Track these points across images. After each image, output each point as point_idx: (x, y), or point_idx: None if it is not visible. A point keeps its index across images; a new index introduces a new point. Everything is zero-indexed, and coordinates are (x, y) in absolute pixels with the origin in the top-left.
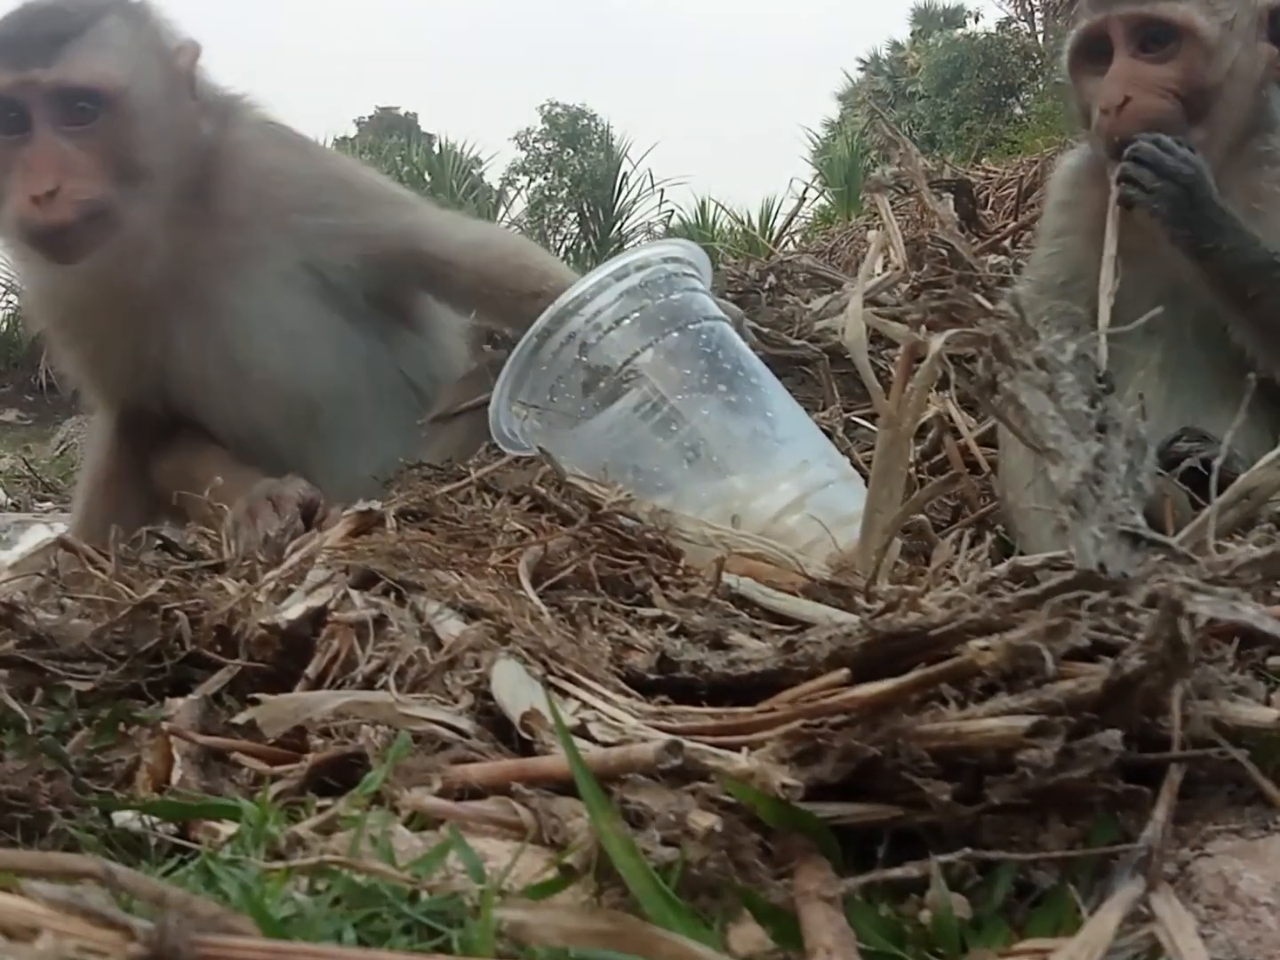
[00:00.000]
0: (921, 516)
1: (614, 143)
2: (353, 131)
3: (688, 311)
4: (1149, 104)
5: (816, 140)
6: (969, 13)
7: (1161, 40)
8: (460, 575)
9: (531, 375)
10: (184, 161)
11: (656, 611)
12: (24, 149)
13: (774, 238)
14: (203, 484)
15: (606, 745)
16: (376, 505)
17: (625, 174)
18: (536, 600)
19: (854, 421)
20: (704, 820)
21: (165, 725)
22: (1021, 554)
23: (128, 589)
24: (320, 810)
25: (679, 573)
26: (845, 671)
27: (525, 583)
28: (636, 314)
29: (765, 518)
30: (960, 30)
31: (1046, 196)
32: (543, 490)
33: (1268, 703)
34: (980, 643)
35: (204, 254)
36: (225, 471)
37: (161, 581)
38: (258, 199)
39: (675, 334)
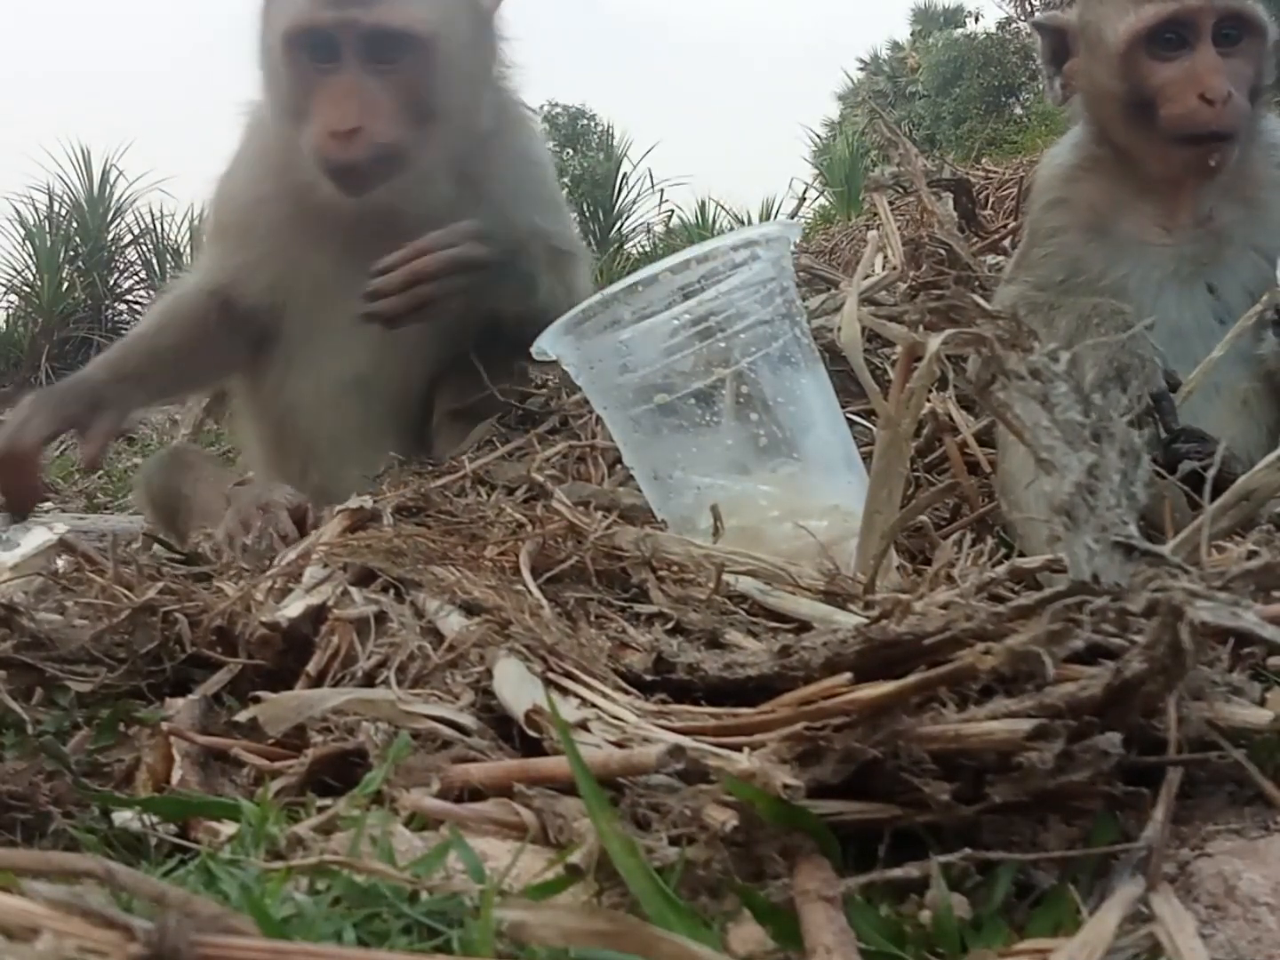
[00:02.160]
0: (922, 517)
1: (614, 143)
2: None
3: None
4: (1241, 102)
5: (816, 140)
6: (969, 13)
7: (1236, 36)
8: (457, 570)
9: (577, 338)
10: (474, 114)
11: (654, 608)
12: (329, 80)
13: None
14: (189, 499)
15: (608, 744)
16: (368, 502)
17: (625, 174)
18: (537, 594)
19: (849, 418)
20: (720, 815)
21: (165, 725)
22: (1021, 555)
23: (127, 591)
24: (320, 810)
25: (675, 568)
26: (848, 675)
27: (526, 575)
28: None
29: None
30: (960, 30)
31: (1034, 195)
32: (540, 479)
33: (1262, 703)
34: (981, 647)
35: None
36: (212, 483)
37: (160, 584)
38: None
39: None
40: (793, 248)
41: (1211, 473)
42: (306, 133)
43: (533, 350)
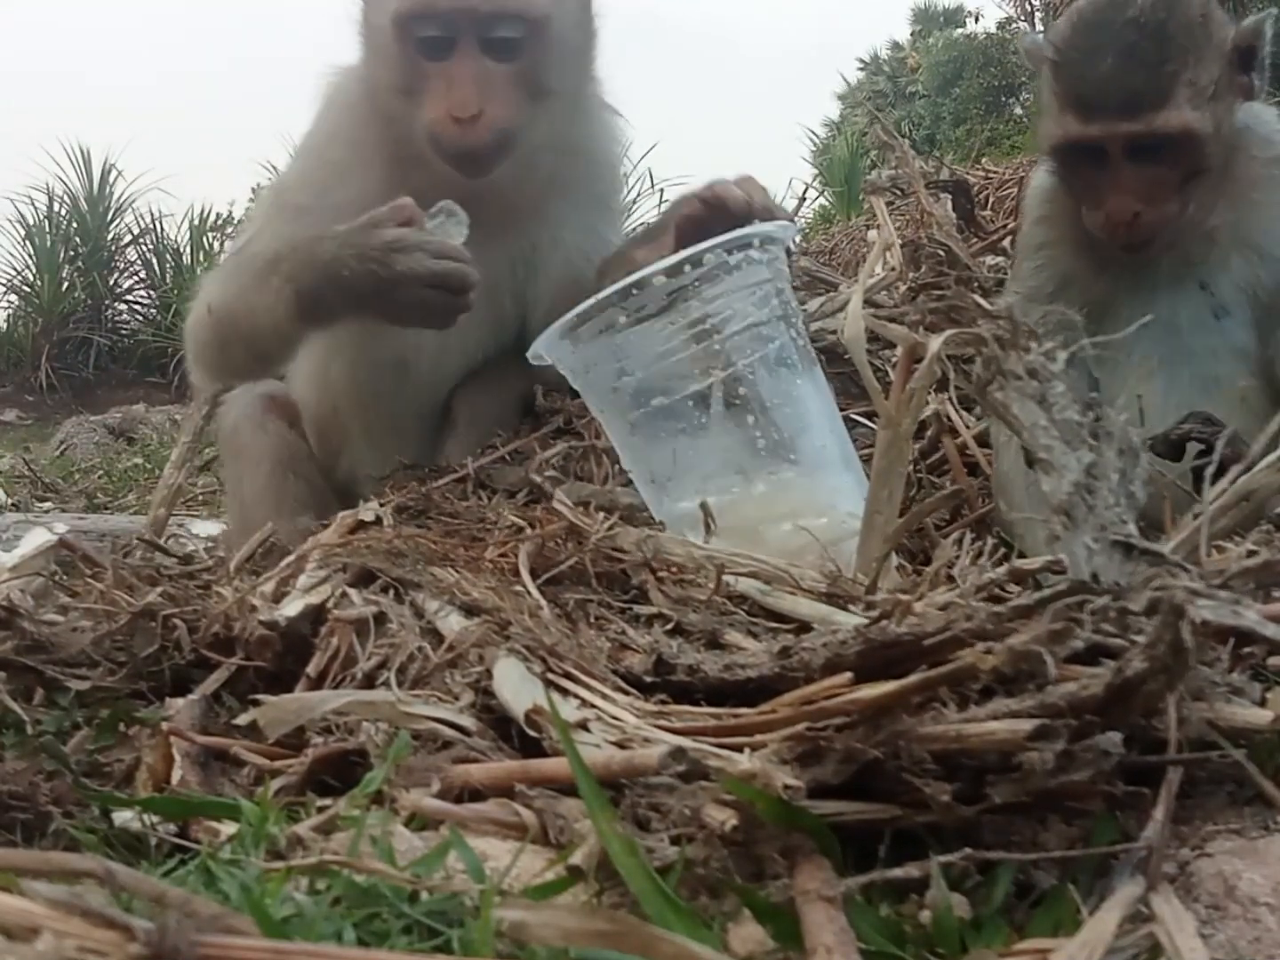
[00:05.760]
0: None
1: None
2: None
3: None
4: (1159, 215)
5: (816, 140)
6: (969, 13)
7: (1158, 149)
8: (457, 571)
9: (573, 342)
10: (581, 89)
11: (653, 609)
12: (446, 63)
13: None
14: None
15: (608, 744)
16: (369, 514)
17: (625, 174)
18: (536, 595)
19: (851, 419)
20: (720, 815)
21: (165, 725)
22: (1020, 555)
23: (127, 595)
24: (320, 810)
25: (674, 569)
26: (848, 675)
27: (525, 576)
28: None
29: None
30: (960, 30)
31: (1025, 209)
32: (539, 479)
33: (1262, 703)
34: (982, 647)
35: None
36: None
37: (159, 589)
38: None
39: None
40: (792, 247)
41: (1210, 470)
42: (420, 114)
43: (529, 354)
